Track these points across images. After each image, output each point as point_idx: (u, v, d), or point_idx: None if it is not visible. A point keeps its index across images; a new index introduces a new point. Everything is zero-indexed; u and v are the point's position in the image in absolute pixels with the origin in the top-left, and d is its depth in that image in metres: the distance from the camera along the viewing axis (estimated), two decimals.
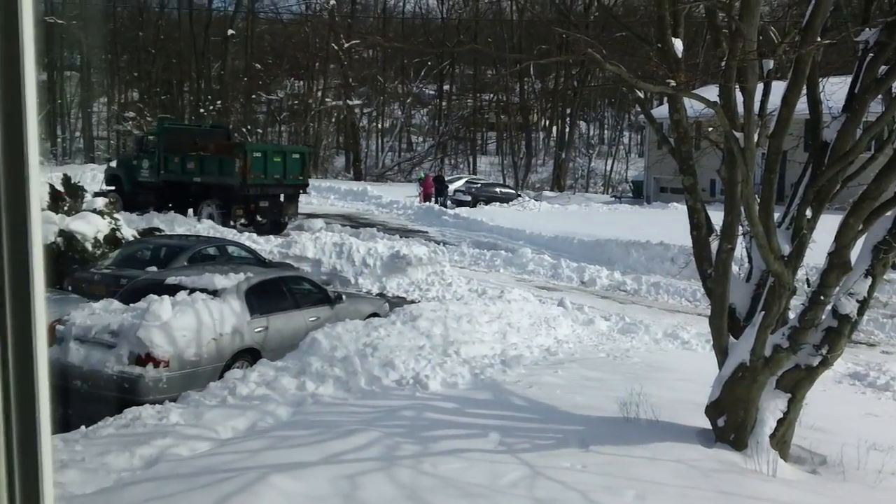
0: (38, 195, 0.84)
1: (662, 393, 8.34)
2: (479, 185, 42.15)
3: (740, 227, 7.06)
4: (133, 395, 8.39)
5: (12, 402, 0.84)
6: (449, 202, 37.75)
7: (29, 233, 0.83)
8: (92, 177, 36.14)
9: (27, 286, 0.84)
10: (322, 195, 41.05)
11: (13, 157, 0.81)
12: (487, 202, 38.97)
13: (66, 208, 14.94)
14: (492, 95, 65.56)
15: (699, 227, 7.67)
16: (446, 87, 67.68)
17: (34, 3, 0.83)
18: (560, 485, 5.91)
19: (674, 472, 6.22)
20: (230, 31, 60.80)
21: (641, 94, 8.98)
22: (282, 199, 26.98)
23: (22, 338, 0.84)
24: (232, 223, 24.89)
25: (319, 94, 63.35)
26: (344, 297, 12.12)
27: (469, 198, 39.36)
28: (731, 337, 7.20)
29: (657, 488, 5.87)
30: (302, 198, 28.95)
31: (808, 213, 6.95)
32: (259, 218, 26.02)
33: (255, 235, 21.37)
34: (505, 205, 38.23)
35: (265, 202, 26.25)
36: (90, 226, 14.27)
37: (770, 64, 7.22)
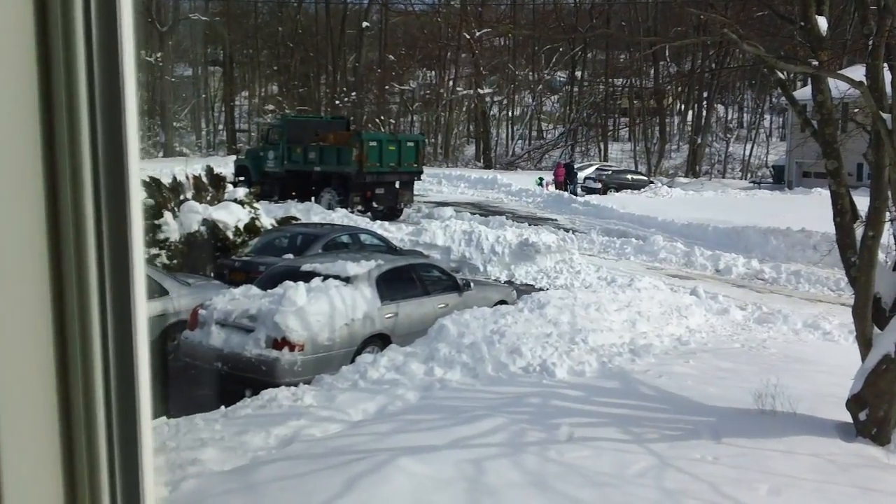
0: (138, 194, 0.86)
1: (800, 385, 8.01)
2: (609, 172, 41.52)
3: (887, 213, 6.73)
4: (270, 378, 8.70)
5: (113, 394, 0.88)
6: (579, 189, 37.31)
7: (129, 231, 0.84)
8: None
9: (127, 283, 0.86)
10: (452, 183, 41.26)
11: (113, 149, 0.84)
12: (618, 189, 38.33)
13: (209, 198, 15.54)
14: (624, 80, 64.36)
15: (843, 213, 7.35)
16: (578, 73, 66.80)
17: None
18: (690, 476, 5.79)
19: (810, 467, 5.99)
20: (365, 24, 62.13)
21: (783, 75, 8.62)
22: (397, 185, 27.55)
23: (122, 333, 0.88)
24: (350, 209, 25.52)
25: (451, 83, 63.84)
26: (472, 284, 12.20)
27: (599, 185, 38.82)
28: (876, 328, 6.88)
29: (792, 482, 5.67)
30: (432, 186, 29.37)
31: None
32: (375, 204, 26.64)
33: (386, 224, 21.77)
34: (636, 192, 37.50)
35: (381, 189, 26.88)
36: (231, 215, 14.79)
37: None
